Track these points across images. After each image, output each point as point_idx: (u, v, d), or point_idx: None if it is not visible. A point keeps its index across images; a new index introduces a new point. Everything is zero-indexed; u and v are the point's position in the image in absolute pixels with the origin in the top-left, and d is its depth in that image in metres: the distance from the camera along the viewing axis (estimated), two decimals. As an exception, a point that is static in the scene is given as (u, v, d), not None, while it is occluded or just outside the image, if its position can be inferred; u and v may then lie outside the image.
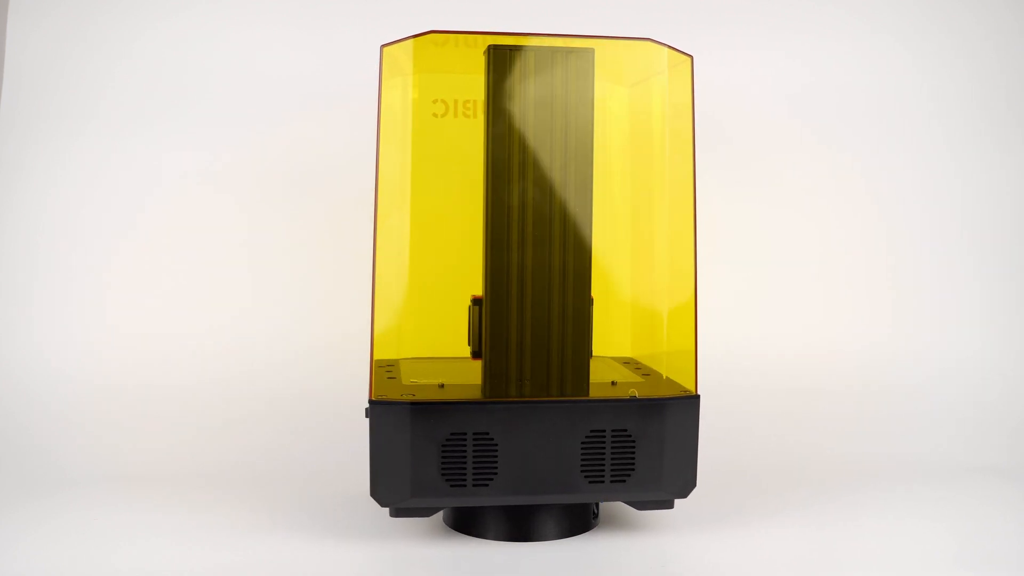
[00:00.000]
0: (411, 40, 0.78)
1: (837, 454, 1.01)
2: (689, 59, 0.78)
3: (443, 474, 0.73)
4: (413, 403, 0.73)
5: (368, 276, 0.80)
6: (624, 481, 0.74)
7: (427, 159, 0.89)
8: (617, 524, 0.81)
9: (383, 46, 0.79)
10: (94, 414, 1.06)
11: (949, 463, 0.99)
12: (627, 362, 0.89)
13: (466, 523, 0.78)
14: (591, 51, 0.74)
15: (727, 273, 1.16)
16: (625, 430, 0.74)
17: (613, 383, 0.79)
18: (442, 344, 0.86)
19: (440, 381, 0.80)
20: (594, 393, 0.76)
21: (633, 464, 0.74)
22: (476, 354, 0.77)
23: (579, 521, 0.79)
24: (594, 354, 0.87)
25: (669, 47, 0.78)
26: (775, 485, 0.92)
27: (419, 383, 0.80)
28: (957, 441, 1.04)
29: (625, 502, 0.76)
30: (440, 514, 0.82)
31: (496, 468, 0.73)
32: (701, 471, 0.93)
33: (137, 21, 1.18)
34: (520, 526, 0.77)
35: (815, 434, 1.06)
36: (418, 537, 0.77)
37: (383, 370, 0.85)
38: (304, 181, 1.17)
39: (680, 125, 0.81)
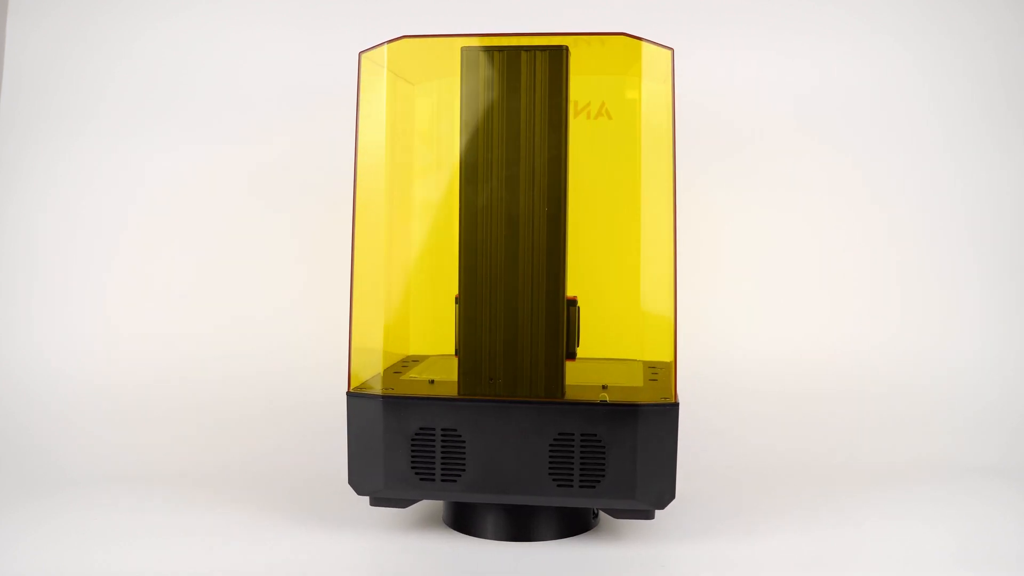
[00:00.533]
0: (385, 45, 0.79)
1: (837, 455, 1.01)
2: (669, 52, 0.76)
3: (413, 467, 0.74)
4: (385, 396, 0.74)
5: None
6: (594, 487, 0.72)
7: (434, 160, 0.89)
8: (616, 525, 0.81)
9: (361, 52, 0.79)
10: (94, 414, 1.06)
11: (949, 463, 0.99)
12: (653, 366, 0.86)
13: (465, 522, 0.78)
14: (563, 48, 0.73)
15: (729, 275, 1.16)
16: (595, 435, 0.72)
17: (604, 387, 0.77)
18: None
19: (433, 377, 0.80)
20: (573, 396, 0.74)
21: (603, 470, 0.72)
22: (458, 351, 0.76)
23: (578, 522, 0.79)
24: (630, 358, 0.86)
25: (646, 40, 0.76)
26: (775, 486, 0.92)
27: (415, 378, 0.81)
28: (957, 441, 1.04)
29: (601, 509, 0.74)
30: (439, 513, 0.82)
31: (464, 465, 0.74)
32: (701, 472, 0.93)
33: (137, 21, 1.18)
34: (519, 526, 0.76)
35: (815, 435, 1.06)
36: (417, 536, 0.77)
37: (400, 364, 0.86)
38: (306, 182, 1.17)
39: (660, 119, 0.79)
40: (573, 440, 0.72)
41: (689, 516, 0.83)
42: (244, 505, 0.85)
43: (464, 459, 0.74)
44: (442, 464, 0.74)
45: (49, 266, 1.15)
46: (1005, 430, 1.06)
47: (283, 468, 0.97)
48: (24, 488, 0.90)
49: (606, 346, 0.87)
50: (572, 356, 0.76)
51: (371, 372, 0.81)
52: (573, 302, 0.75)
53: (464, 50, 0.74)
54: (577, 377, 0.78)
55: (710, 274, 1.15)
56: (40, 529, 0.79)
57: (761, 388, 1.11)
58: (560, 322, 0.74)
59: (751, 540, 0.78)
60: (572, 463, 0.72)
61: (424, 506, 0.84)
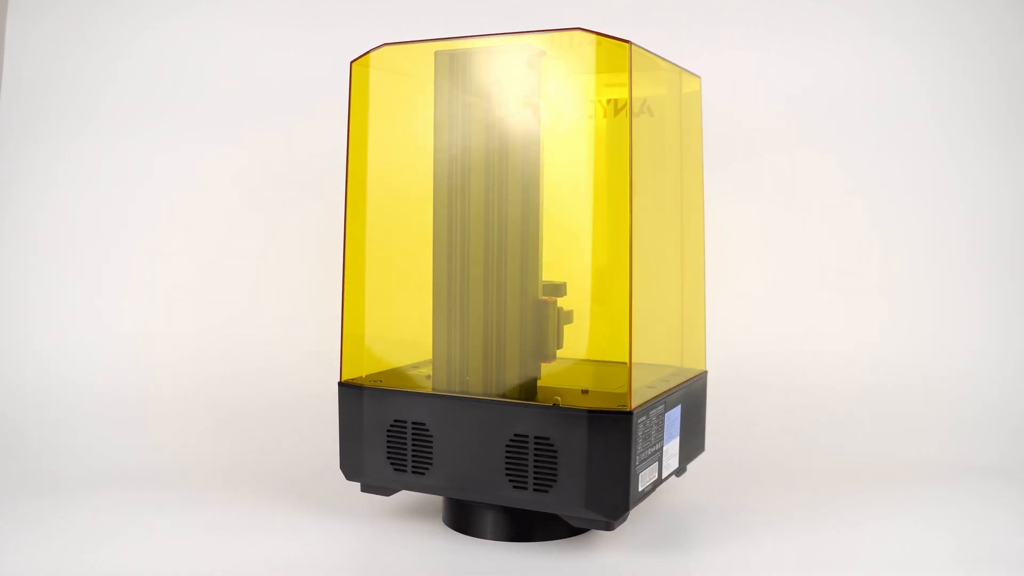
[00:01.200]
0: (370, 53, 0.79)
1: (837, 454, 1.01)
2: (627, 46, 0.73)
3: (388, 457, 0.76)
4: (365, 388, 0.77)
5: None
6: (547, 492, 0.71)
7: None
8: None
9: (352, 62, 0.80)
10: (93, 414, 1.06)
11: (949, 463, 0.99)
12: (677, 372, 0.85)
13: (465, 523, 0.78)
14: (531, 48, 0.73)
15: (728, 276, 1.16)
16: (547, 438, 0.71)
17: (585, 391, 0.76)
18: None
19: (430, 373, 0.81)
20: (537, 398, 0.73)
21: (555, 475, 0.71)
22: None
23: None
24: (641, 361, 0.85)
25: (601, 34, 0.73)
26: (776, 485, 0.92)
27: (419, 373, 0.81)
28: (957, 441, 1.04)
29: (559, 515, 0.73)
30: (439, 513, 0.82)
31: (431, 459, 0.74)
32: (701, 471, 0.93)
33: (137, 21, 1.18)
34: (518, 526, 0.76)
35: (815, 434, 1.06)
36: (417, 537, 0.77)
37: (426, 361, 0.87)
38: (304, 182, 1.17)
39: (621, 114, 0.79)
40: (527, 442, 0.72)
41: (687, 516, 0.83)
42: (244, 504, 0.85)
43: (432, 453, 0.74)
44: (412, 456, 0.75)
45: (48, 266, 1.15)
46: (1005, 430, 1.06)
47: (284, 469, 0.97)
48: (23, 488, 0.90)
49: (642, 350, 0.87)
50: (546, 357, 0.75)
51: (363, 364, 0.81)
52: (547, 304, 0.74)
53: (436, 54, 0.75)
54: (568, 380, 0.77)
55: (711, 274, 1.15)
56: (39, 529, 0.79)
57: (760, 388, 1.11)
58: (520, 323, 0.73)
59: (750, 540, 0.78)
60: (526, 465, 0.72)
61: (424, 506, 0.84)
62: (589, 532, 0.78)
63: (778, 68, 1.17)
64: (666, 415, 0.77)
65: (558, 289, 0.76)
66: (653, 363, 0.86)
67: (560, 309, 0.76)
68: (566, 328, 0.78)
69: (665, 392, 0.77)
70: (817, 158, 1.17)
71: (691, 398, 0.83)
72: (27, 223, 1.17)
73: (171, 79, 1.18)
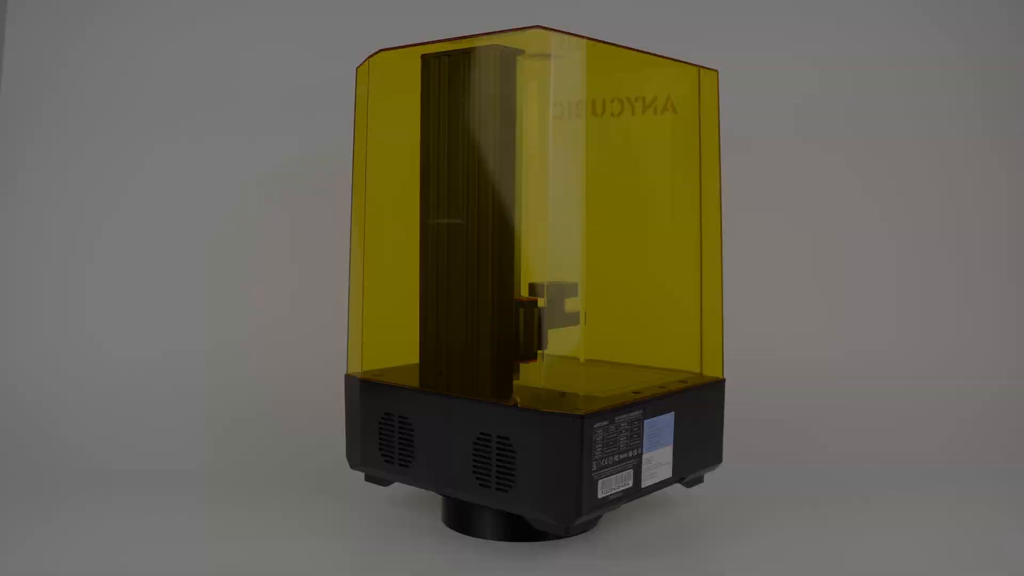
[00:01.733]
0: (372, 58, 0.81)
1: (837, 454, 1.01)
2: (583, 42, 0.73)
3: (379, 448, 0.79)
4: (361, 380, 0.80)
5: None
6: (507, 491, 0.71)
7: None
8: (616, 525, 0.81)
9: (357, 68, 0.82)
10: (95, 415, 1.06)
11: (949, 463, 0.99)
12: (684, 380, 0.83)
13: (465, 523, 0.78)
14: (501, 49, 0.73)
15: (728, 276, 1.16)
16: (507, 438, 0.71)
17: (562, 394, 0.74)
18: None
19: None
20: (505, 400, 0.73)
21: (514, 476, 0.71)
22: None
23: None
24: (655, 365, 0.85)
25: (558, 31, 0.73)
26: (776, 484, 0.92)
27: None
28: (957, 441, 1.04)
29: (523, 516, 0.72)
30: (439, 513, 0.82)
31: (413, 452, 0.76)
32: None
33: (137, 21, 1.18)
34: (518, 527, 0.76)
35: (815, 436, 1.06)
36: (417, 536, 0.78)
37: None
38: (310, 184, 1.17)
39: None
40: (491, 441, 0.72)
41: (688, 515, 0.83)
42: (245, 505, 0.86)
43: (413, 446, 0.76)
44: (399, 449, 0.77)
45: (53, 262, 1.16)
46: (1005, 430, 1.06)
47: (283, 466, 0.97)
48: (23, 488, 0.90)
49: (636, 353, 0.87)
50: (524, 357, 0.74)
51: (370, 358, 0.83)
52: (524, 303, 0.74)
53: (422, 58, 0.76)
54: (564, 381, 0.76)
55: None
56: (39, 529, 0.79)
57: (760, 388, 1.11)
58: (487, 323, 0.73)
59: (751, 538, 0.78)
60: (490, 464, 0.72)
61: (424, 507, 0.84)
62: (589, 532, 0.78)
63: (785, 70, 1.17)
64: (647, 422, 0.75)
65: (566, 289, 0.75)
66: (662, 367, 0.86)
67: (543, 309, 0.74)
68: (575, 328, 0.76)
69: (646, 398, 0.75)
70: (812, 158, 1.17)
71: (693, 406, 0.81)
72: (29, 222, 1.17)
73: (170, 80, 1.18)
